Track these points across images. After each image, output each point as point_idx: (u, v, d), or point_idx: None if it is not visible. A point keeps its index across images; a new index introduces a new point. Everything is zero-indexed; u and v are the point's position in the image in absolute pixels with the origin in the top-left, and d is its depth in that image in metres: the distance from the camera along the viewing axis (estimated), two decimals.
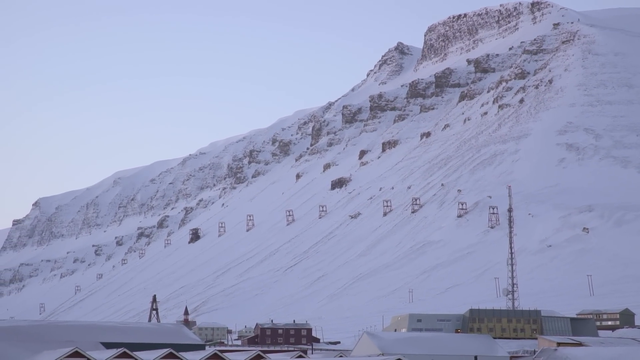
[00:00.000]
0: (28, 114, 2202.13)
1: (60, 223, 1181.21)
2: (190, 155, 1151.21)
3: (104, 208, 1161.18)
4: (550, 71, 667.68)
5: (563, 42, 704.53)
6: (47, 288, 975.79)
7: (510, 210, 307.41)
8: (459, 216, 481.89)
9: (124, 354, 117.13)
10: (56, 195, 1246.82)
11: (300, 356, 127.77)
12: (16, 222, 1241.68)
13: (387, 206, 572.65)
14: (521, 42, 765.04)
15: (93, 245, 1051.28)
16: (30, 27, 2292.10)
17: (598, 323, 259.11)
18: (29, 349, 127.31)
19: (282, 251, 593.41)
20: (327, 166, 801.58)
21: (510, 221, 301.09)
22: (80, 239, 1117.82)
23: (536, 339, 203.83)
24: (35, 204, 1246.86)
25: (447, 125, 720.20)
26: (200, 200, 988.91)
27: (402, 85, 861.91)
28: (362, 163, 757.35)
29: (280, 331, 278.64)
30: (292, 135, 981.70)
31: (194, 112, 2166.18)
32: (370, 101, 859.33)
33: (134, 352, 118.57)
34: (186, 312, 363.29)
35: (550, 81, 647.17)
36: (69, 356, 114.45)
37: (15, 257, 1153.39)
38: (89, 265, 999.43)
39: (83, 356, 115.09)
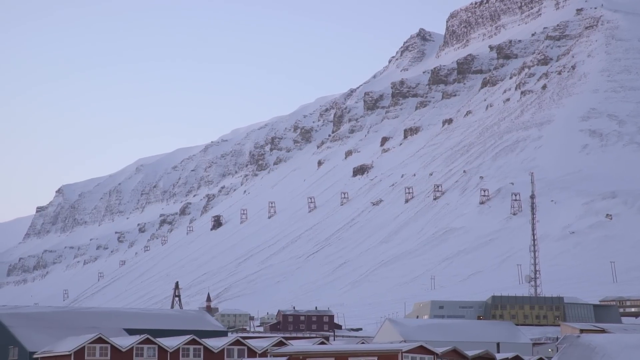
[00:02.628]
0: (50, 101, 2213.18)
1: (83, 210, 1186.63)
2: (212, 142, 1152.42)
3: (126, 195, 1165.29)
4: (573, 57, 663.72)
5: (586, 28, 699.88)
6: (70, 274, 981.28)
7: (532, 196, 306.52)
8: (481, 203, 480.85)
9: (147, 340, 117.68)
10: (79, 182, 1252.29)
11: (322, 343, 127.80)
12: (40, 209, 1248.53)
13: (409, 193, 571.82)
14: (544, 28, 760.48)
15: (116, 232, 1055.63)
16: (48, 8, 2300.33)
17: (621, 310, 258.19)
18: (53, 335, 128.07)
19: (304, 238, 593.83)
20: (348, 153, 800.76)
21: (532, 208, 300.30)
22: (103, 226, 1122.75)
23: (559, 325, 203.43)
24: (59, 191, 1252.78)
25: (469, 112, 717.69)
26: (222, 187, 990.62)
27: (424, 72, 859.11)
28: (383, 150, 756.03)
29: (302, 318, 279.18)
30: (313, 122, 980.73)
31: (215, 99, 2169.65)
32: (392, 88, 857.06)
33: (157, 339, 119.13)
34: (208, 299, 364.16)
35: (574, 67, 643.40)
36: (92, 342, 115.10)
37: (39, 243, 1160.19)
38: (111, 252, 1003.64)
39: (106, 342, 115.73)
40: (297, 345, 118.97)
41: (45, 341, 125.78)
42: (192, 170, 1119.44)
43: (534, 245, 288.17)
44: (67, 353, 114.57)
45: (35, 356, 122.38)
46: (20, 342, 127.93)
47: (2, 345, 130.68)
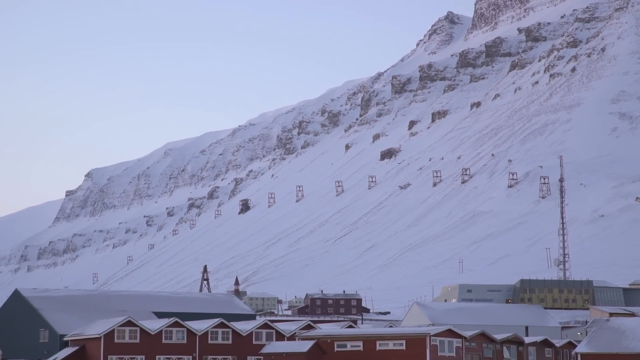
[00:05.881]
0: (79, 86, 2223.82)
1: (112, 194, 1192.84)
2: (239, 126, 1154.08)
3: (155, 179, 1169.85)
4: (602, 39, 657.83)
5: (616, 10, 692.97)
6: (99, 258, 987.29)
7: (561, 180, 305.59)
8: (510, 186, 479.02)
9: (176, 324, 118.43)
10: (108, 167, 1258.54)
11: (350, 326, 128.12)
12: (69, 193, 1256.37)
13: (437, 176, 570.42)
14: (573, 10, 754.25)
15: (144, 216, 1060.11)
16: None
17: None
18: (83, 318, 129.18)
19: (332, 222, 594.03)
20: (376, 137, 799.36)
21: (561, 191, 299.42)
22: (132, 210, 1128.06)
23: (588, 309, 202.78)
24: (88, 175, 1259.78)
25: (497, 95, 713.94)
26: (250, 171, 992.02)
27: (452, 55, 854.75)
28: (411, 133, 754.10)
29: (330, 301, 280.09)
30: (341, 105, 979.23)
31: (243, 83, 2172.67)
32: (419, 71, 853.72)
33: (186, 322, 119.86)
34: (237, 283, 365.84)
35: (603, 49, 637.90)
36: (122, 325, 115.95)
37: (69, 227, 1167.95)
38: (140, 235, 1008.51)
39: (136, 325, 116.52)
40: (325, 329, 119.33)
41: (75, 324, 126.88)
42: (220, 154, 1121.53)
43: (563, 228, 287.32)
44: (97, 336, 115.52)
45: (65, 339, 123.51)
46: (50, 325, 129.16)
47: (33, 328, 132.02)
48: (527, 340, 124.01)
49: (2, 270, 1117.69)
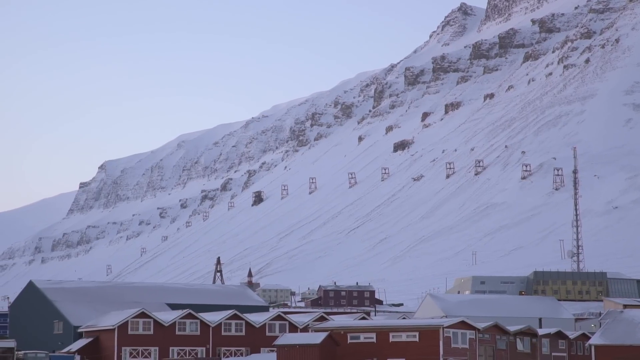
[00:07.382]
0: (93, 79, 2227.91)
1: (125, 186, 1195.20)
2: (252, 118, 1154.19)
3: (168, 171, 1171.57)
4: (617, 30, 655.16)
5: (630, 1, 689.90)
6: (113, 250, 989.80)
7: (575, 171, 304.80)
8: (523, 178, 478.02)
9: (190, 315, 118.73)
10: (121, 159, 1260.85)
11: (363, 318, 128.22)
12: (83, 185, 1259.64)
13: (450, 168, 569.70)
14: (587, 1, 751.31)
15: (158, 208, 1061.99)
16: None
17: None
18: (96, 310, 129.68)
19: (345, 214, 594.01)
20: (389, 128, 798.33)
21: (575, 183, 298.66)
22: (146, 202, 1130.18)
23: (602, 301, 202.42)
24: (101, 167, 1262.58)
25: (511, 87, 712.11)
26: (263, 163, 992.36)
27: (465, 47, 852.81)
28: (424, 125, 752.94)
29: (343, 293, 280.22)
30: (354, 97, 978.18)
31: (256, 75, 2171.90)
32: (433, 63, 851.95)
33: (199, 313, 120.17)
34: (250, 274, 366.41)
35: (617, 40, 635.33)
36: (135, 317, 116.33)
37: (82, 219, 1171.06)
38: (154, 227, 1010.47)
39: (149, 317, 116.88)
40: (338, 321, 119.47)
41: (89, 315, 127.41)
42: (233, 146, 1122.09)
43: (577, 220, 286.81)
44: (111, 327, 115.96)
45: (79, 330, 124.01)
46: (64, 317, 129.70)
47: (48, 320, 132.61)
48: (540, 332, 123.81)
49: (16, 262, 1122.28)
